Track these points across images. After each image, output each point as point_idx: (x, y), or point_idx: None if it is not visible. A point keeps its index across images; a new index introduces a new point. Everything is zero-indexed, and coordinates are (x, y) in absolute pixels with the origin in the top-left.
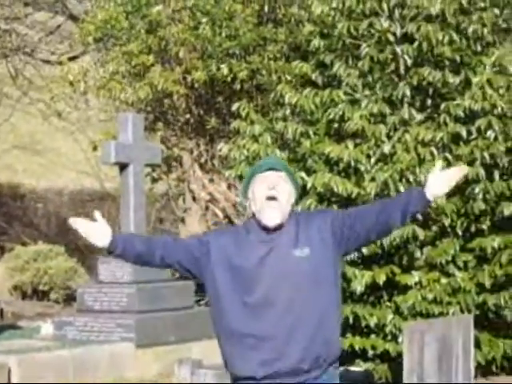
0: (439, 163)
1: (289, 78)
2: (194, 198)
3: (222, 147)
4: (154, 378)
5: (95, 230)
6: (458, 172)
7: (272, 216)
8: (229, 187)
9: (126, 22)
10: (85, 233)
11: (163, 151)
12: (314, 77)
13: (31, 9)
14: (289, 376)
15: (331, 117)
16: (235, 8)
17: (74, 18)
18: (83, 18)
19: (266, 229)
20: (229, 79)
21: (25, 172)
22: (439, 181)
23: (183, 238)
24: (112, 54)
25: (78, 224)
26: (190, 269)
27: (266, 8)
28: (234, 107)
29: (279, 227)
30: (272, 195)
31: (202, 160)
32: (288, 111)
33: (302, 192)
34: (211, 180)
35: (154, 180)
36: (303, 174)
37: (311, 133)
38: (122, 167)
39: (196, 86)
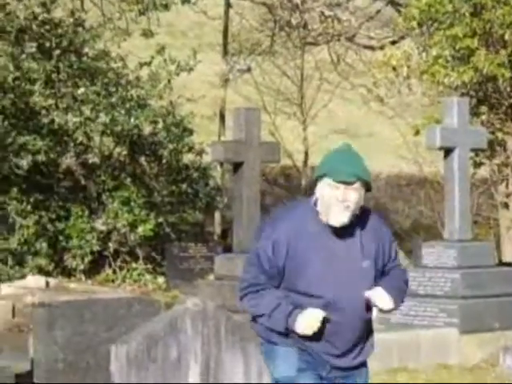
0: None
1: None
2: None
3: None
4: (477, 365)
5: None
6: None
7: (340, 218)
8: None
9: (450, 5)
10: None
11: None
12: None
13: None
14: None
15: None
16: None
17: (393, 3)
18: (405, 2)
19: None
20: None
21: None
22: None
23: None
24: (435, 38)
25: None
26: None
27: None
28: None
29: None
30: (343, 206)
31: None
32: None
33: None
34: None
35: (477, 165)
36: None
37: None
38: (447, 152)
39: None
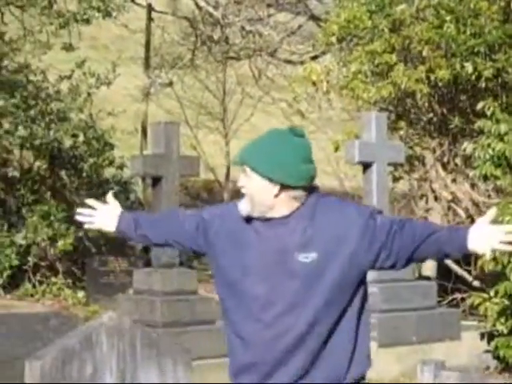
0: (493, 210)
1: None
2: (435, 198)
3: (466, 146)
4: (396, 379)
5: (102, 216)
6: (504, 237)
7: (242, 204)
8: (472, 187)
9: (369, 21)
10: (90, 223)
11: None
12: None
13: (273, 10)
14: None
15: None
16: (480, 5)
17: (314, 18)
18: (325, 17)
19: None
20: (473, 78)
21: None
22: (484, 236)
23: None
24: (355, 54)
25: (84, 217)
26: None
27: None
28: (479, 106)
29: (282, 220)
30: (242, 192)
31: (445, 159)
32: None
33: None
34: (454, 180)
35: (396, 179)
36: None
37: None
38: (366, 166)
39: (439, 84)
